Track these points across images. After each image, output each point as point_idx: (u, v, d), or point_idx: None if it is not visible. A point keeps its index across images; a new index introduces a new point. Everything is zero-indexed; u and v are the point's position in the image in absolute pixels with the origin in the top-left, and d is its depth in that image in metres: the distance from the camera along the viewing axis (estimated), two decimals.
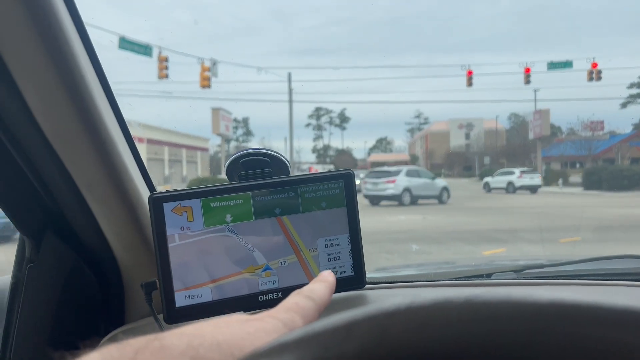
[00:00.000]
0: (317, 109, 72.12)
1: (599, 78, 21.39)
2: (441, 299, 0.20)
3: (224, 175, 0.70)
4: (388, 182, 15.43)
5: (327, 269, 0.66)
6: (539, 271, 0.98)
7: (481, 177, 35.15)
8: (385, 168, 18.69)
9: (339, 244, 0.66)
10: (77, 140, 0.59)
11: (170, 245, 0.60)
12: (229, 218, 0.62)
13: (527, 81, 22.27)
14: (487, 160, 46.22)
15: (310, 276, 0.65)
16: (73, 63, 0.55)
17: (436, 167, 45.26)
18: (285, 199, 0.64)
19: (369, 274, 0.71)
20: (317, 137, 74.42)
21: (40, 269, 0.70)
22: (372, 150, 76.77)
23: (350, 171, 0.67)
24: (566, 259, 1.07)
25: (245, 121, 63.17)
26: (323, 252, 0.66)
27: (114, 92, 0.65)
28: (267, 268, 0.64)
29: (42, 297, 0.71)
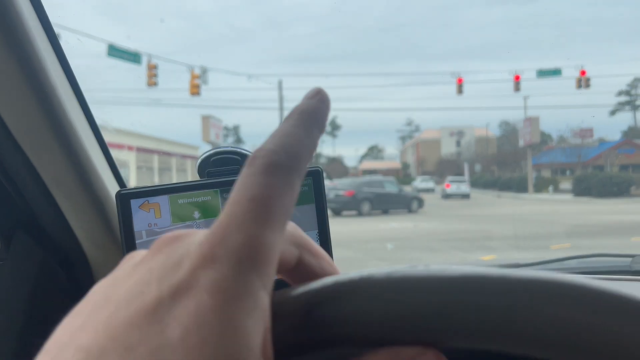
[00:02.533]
0: None
1: (587, 85, 21.63)
2: (365, 275, 0.21)
3: None
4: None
5: None
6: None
7: (472, 184, 35.37)
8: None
9: None
10: (41, 134, 0.59)
11: (137, 241, 0.60)
12: (196, 214, 0.63)
13: (517, 89, 22.48)
14: (477, 167, 46.51)
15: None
16: (36, 58, 0.55)
17: (427, 175, 45.46)
18: None
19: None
20: None
21: (9, 267, 0.70)
22: (363, 157, 77.02)
23: (319, 168, 0.67)
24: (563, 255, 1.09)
25: (235, 129, 63.21)
26: None
27: (93, 97, 0.65)
28: None
29: (11, 296, 0.70)
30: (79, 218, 0.69)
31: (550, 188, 30.66)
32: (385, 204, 17.12)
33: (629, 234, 9.38)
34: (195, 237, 0.22)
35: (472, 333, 0.19)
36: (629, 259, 0.93)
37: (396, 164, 68.06)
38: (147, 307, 0.19)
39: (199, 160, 0.68)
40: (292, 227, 0.27)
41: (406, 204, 17.63)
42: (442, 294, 0.19)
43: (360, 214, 16.31)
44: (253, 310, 0.19)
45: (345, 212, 16.41)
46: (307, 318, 0.21)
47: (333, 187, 16.94)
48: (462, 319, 0.19)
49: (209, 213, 0.63)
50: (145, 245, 0.61)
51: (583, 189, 26.76)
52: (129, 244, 0.60)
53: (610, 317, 0.17)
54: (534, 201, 25.26)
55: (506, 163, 44.60)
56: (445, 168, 51.64)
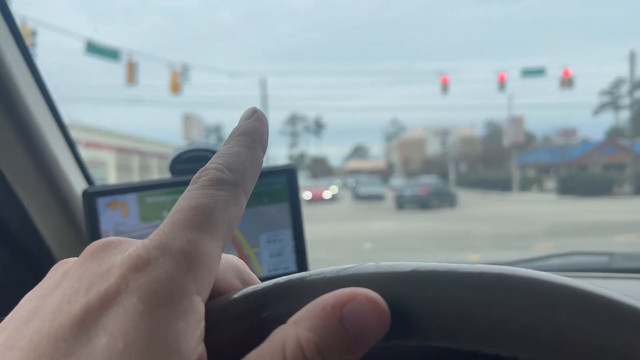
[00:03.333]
0: (293, 116, 72.25)
1: (571, 85, 21.89)
2: (300, 276, 0.21)
3: None
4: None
5: (269, 265, 0.65)
6: None
7: (457, 184, 35.58)
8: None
9: (282, 240, 0.65)
10: (1, 130, 0.57)
11: None
12: (165, 213, 0.61)
13: (502, 88, 22.69)
14: (463, 167, 46.84)
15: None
16: None
17: (412, 174, 45.66)
18: None
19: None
20: (293, 145, 74.49)
21: None
22: (348, 157, 77.11)
23: (292, 166, 0.66)
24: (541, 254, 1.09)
25: (218, 128, 62.84)
26: (265, 248, 0.65)
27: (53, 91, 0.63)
28: None
29: None
30: (45, 217, 0.66)
31: (535, 187, 31.00)
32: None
33: (612, 233, 9.51)
34: (131, 244, 0.21)
35: (418, 331, 0.19)
36: (608, 257, 0.93)
37: (381, 164, 68.32)
38: (73, 318, 0.18)
39: (171, 158, 0.67)
40: (241, 262, 0.26)
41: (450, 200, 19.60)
42: (388, 290, 0.19)
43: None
44: (186, 314, 0.19)
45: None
46: (251, 320, 0.21)
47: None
48: (406, 316, 0.19)
49: None
50: None
51: (567, 188, 27.11)
52: None
53: (562, 312, 0.17)
54: (519, 201, 25.50)
55: (491, 162, 45.02)
56: (431, 168, 51.95)
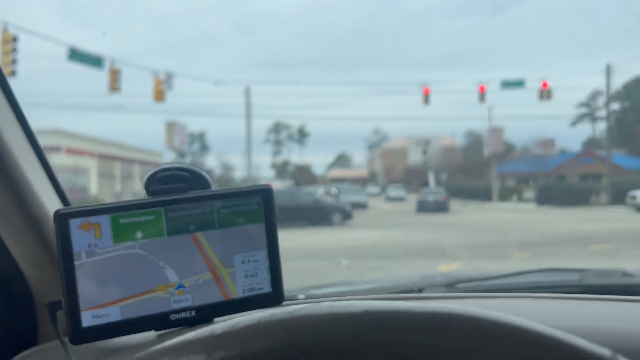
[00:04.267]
0: (277, 124, 72.21)
1: (549, 97, 22.31)
2: (309, 311, 0.22)
3: None
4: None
5: (244, 285, 0.65)
6: (468, 285, 1.00)
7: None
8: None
9: (257, 260, 0.65)
10: None
11: (76, 262, 0.58)
12: (139, 235, 0.61)
13: (482, 99, 23.00)
14: (443, 176, 47.24)
15: (227, 294, 0.64)
16: None
17: (395, 183, 45.92)
18: (200, 214, 0.63)
19: (298, 292, 0.70)
20: (276, 153, 74.41)
21: None
22: (331, 166, 77.29)
23: (268, 186, 0.66)
24: (517, 270, 1.11)
25: (201, 135, 62.45)
26: (240, 268, 0.65)
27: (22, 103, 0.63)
28: (180, 286, 0.62)
29: None
30: (14, 237, 0.66)
31: (514, 197, 31.38)
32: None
33: (589, 242, 9.67)
34: None
35: None
36: (579, 274, 0.95)
37: (364, 172, 68.61)
38: None
39: (146, 177, 0.66)
40: None
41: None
42: (339, 333, 0.20)
43: None
44: None
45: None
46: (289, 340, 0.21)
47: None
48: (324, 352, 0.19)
49: (152, 233, 0.61)
50: (85, 266, 0.59)
51: (545, 198, 27.53)
52: (66, 266, 0.58)
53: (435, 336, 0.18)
54: (499, 210, 25.81)
55: (471, 172, 45.48)
56: (412, 177, 52.29)
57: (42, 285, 0.71)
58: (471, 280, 1.04)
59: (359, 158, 78.83)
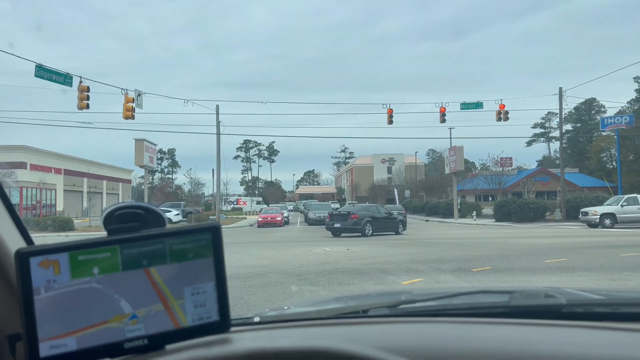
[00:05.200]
0: (246, 142, 71.81)
1: (506, 118, 23.12)
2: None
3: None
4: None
5: (193, 315, 0.70)
6: (410, 307, 1.07)
7: (405, 207, 36.34)
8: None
9: (206, 292, 0.71)
10: None
11: (35, 297, 0.63)
12: (96, 270, 0.66)
13: (443, 120, 23.63)
14: (407, 193, 47.93)
15: (177, 323, 0.69)
16: None
17: (361, 200, 46.24)
18: (153, 251, 0.69)
19: (255, 315, 0.76)
20: (246, 169, 73.85)
21: None
22: (300, 182, 77.20)
23: (217, 224, 0.73)
24: (458, 290, 1.20)
25: (171, 152, 61.43)
26: (190, 300, 0.70)
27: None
28: (133, 316, 0.67)
29: None
30: None
31: (474, 213, 32.08)
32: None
33: (543, 257, 9.98)
34: None
35: None
36: (508, 296, 1.04)
37: (331, 189, 68.80)
38: None
39: (104, 215, 0.72)
40: None
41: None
42: None
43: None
44: None
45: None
46: None
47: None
48: None
49: (108, 269, 0.67)
50: (43, 300, 0.63)
51: (503, 214, 28.29)
52: (26, 301, 0.63)
53: None
54: (459, 225, 26.34)
55: (433, 189, 46.30)
56: (377, 193, 52.71)
57: (2, 318, 0.75)
58: (413, 301, 1.12)
59: (327, 175, 79.07)
